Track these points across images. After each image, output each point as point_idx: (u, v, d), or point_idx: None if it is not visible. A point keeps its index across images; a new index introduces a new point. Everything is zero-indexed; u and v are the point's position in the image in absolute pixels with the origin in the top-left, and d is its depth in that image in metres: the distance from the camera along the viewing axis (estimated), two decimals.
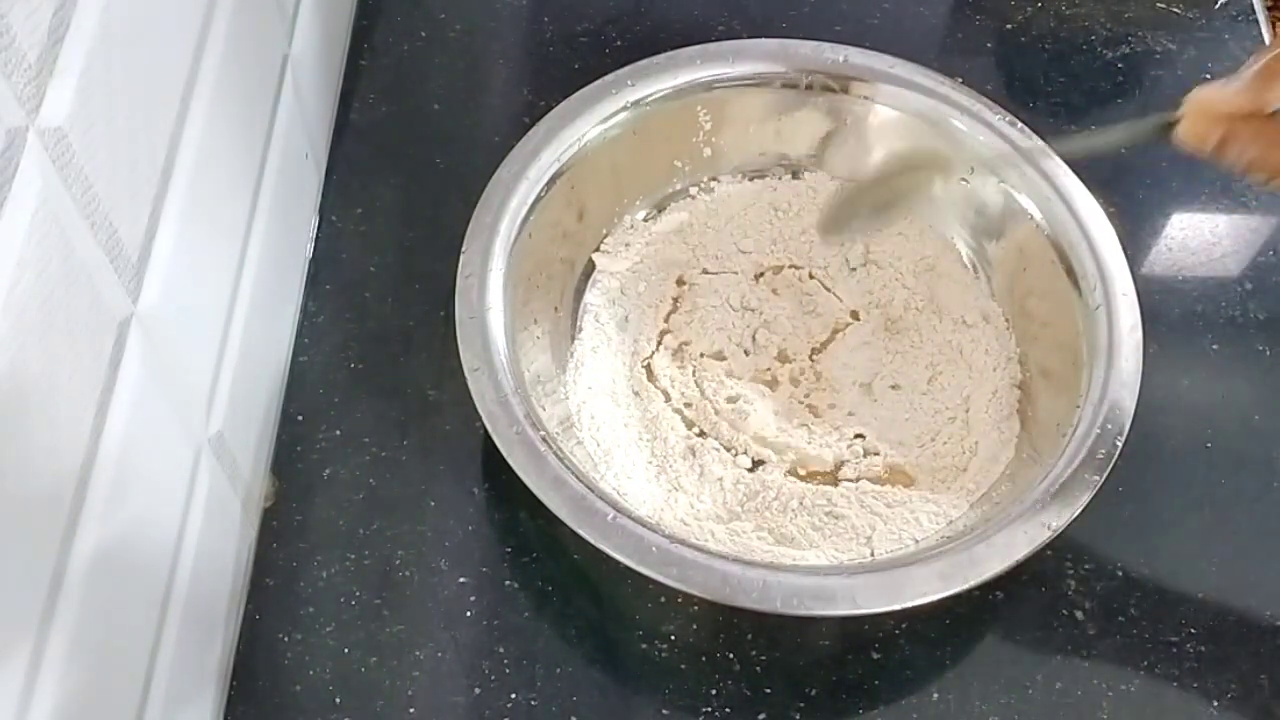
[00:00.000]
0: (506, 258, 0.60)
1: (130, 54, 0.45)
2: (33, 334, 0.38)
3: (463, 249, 0.60)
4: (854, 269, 0.69)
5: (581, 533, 0.53)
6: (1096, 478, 0.55)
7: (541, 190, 0.63)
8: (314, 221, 0.71)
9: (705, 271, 0.68)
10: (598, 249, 0.68)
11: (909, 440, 0.63)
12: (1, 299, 0.36)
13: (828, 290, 0.68)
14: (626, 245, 0.68)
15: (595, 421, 0.62)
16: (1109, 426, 0.57)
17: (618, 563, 0.53)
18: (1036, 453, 0.60)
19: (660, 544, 0.53)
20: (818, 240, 0.69)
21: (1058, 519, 0.54)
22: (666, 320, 0.67)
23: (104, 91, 0.42)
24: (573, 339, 0.65)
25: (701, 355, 0.66)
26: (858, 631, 0.59)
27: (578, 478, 0.54)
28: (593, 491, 0.54)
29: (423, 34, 0.79)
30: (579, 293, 0.67)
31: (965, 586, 0.53)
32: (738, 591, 0.52)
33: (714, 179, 0.71)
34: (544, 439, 0.55)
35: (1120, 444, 0.57)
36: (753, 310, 0.67)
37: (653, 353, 0.66)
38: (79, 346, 0.42)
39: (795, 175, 0.71)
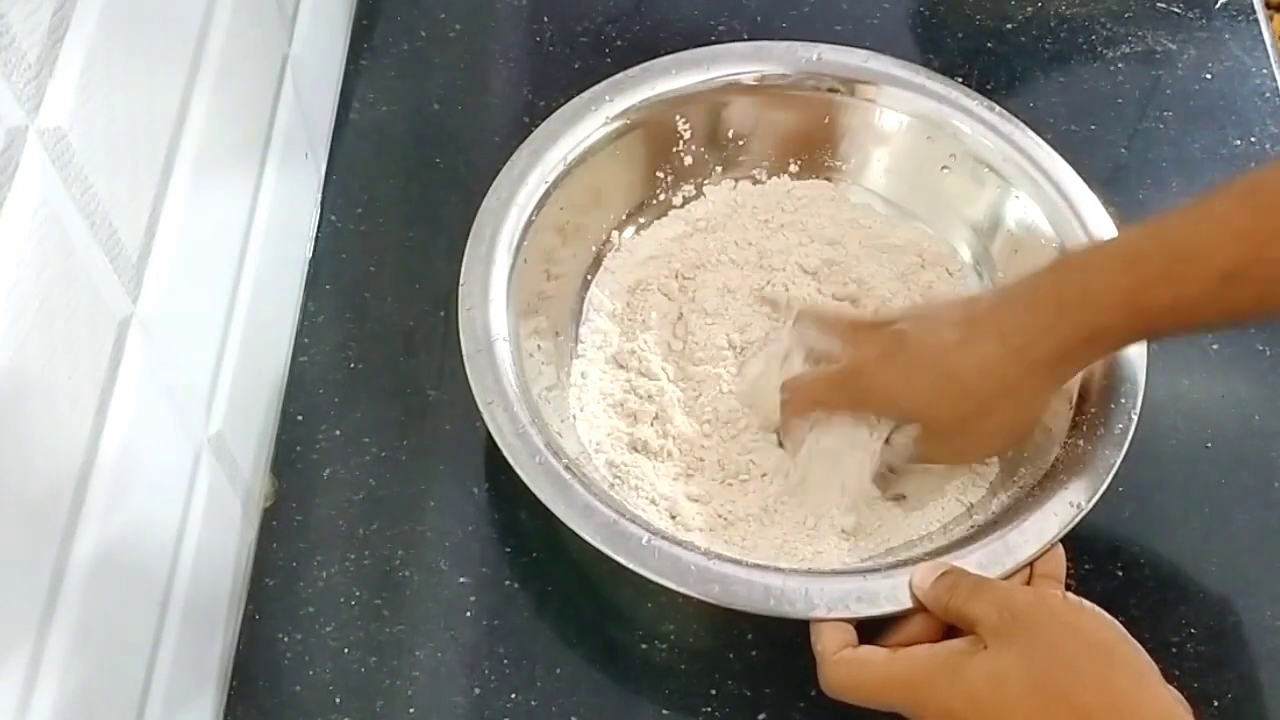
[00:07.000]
0: (505, 287, 0.60)
1: (130, 54, 0.45)
2: (33, 334, 0.38)
3: (461, 282, 0.60)
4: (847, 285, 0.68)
5: (618, 558, 0.53)
6: (1116, 453, 0.56)
7: (531, 215, 0.63)
8: (314, 221, 0.71)
9: (697, 279, 0.67)
10: (589, 267, 0.67)
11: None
12: (1, 299, 0.36)
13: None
14: (616, 262, 0.68)
15: (602, 442, 0.62)
16: (1123, 401, 0.57)
17: (617, 563, 0.53)
18: (1047, 431, 0.60)
19: (698, 562, 0.53)
20: (805, 238, 0.68)
21: (1084, 497, 0.55)
22: (662, 334, 0.66)
23: (104, 91, 0.42)
24: (573, 357, 0.65)
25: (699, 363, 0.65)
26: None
27: (605, 503, 0.54)
28: (623, 516, 0.54)
29: (423, 34, 0.79)
30: (576, 313, 0.66)
31: (1004, 573, 0.53)
32: (783, 602, 0.52)
33: (697, 186, 0.70)
34: (567, 467, 0.55)
35: (1136, 417, 0.57)
36: (749, 326, 0.66)
37: (648, 368, 0.65)
38: (79, 346, 0.42)
39: (777, 174, 0.71)
